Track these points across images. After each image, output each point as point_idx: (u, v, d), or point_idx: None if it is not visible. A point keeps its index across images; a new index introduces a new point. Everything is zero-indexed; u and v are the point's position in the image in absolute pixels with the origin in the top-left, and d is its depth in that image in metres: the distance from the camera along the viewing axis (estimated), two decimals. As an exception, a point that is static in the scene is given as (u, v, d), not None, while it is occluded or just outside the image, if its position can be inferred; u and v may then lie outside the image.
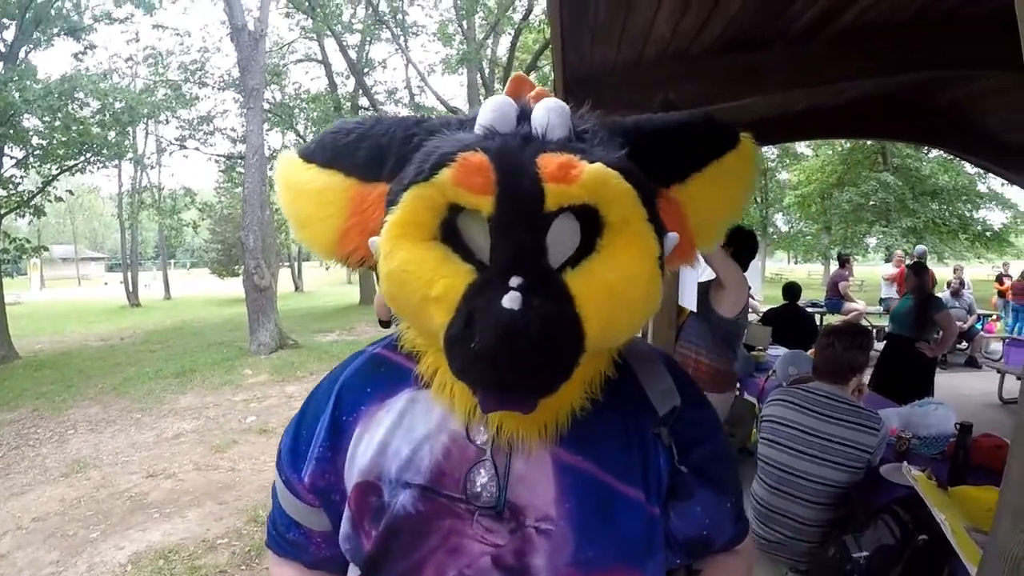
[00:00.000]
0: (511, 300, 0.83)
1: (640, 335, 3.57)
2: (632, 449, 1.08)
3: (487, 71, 26.63)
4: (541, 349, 0.84)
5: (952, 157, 20.63)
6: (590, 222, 0.92)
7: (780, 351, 6.24)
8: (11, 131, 14.61)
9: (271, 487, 1.26)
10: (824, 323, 11.15)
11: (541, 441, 1.04)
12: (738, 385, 5.58)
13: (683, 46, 4.15)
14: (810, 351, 6.05)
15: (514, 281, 0.86)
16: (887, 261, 16.00)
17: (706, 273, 4.33)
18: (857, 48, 4.20)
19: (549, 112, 0.97)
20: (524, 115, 0.99)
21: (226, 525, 5.57)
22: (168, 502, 6.14)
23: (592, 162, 0.90)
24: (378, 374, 1.17)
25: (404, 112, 28.34)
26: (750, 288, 4.43)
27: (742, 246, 4.59)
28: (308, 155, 1.10)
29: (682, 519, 1.12)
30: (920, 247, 16.22)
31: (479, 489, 1.04)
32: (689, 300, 4.45)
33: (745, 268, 4.44)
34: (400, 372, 1.14)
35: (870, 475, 3.18)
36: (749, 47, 4.20)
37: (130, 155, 20.66)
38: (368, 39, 26.92)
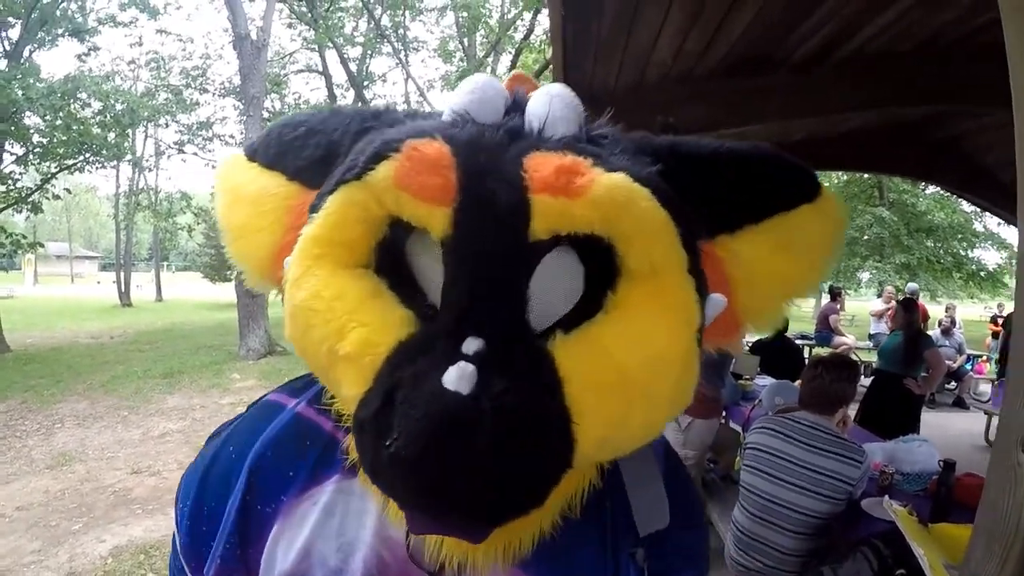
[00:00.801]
0: (459, 377, 0.58)
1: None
2: (606, 572, 0.83)
3: (487, 89, 26.53)
4: (499, 463, 0.59)
5: (949, 194, 20.73)
6: (599, 264, 0.68)
7: (767, 381, 6.22)
8: (12, 128, 14.64)
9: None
10: (812, 355, 11.18)
11: (500, 566, 0.78)
12: (723, 413, 5.57)
13: (686, 69, 4.15)
14: (797, 382, 6.08)
15: (469, 346, 0.61)
16: (879, 296, 16.02)
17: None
18: (861, 77, 4.22)
19: (551, 99, 0.73)
20: (516, 107, 0.75)
21: None
22: (151, 499, 6.19)
23: (611, 171, 0.65)
24: (302, 451, 0.86)
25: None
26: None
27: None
28: (251, 152, 0.88)
29: None
30: (912, 284, 16.27)
31: None
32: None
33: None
34: (329, 447, 0.85)
35: (851, 508, 3.17)
36: (753, 72, 4.21)
37: (129, 157, 20.71)
38: (369, 52, 27.04)
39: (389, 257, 0.70)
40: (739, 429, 5.65)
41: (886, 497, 3.03)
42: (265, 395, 0.97)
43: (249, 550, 0.84)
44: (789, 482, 3.14)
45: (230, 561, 0.84)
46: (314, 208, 0.72)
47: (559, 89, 0.75)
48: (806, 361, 7.81)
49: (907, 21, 3.58)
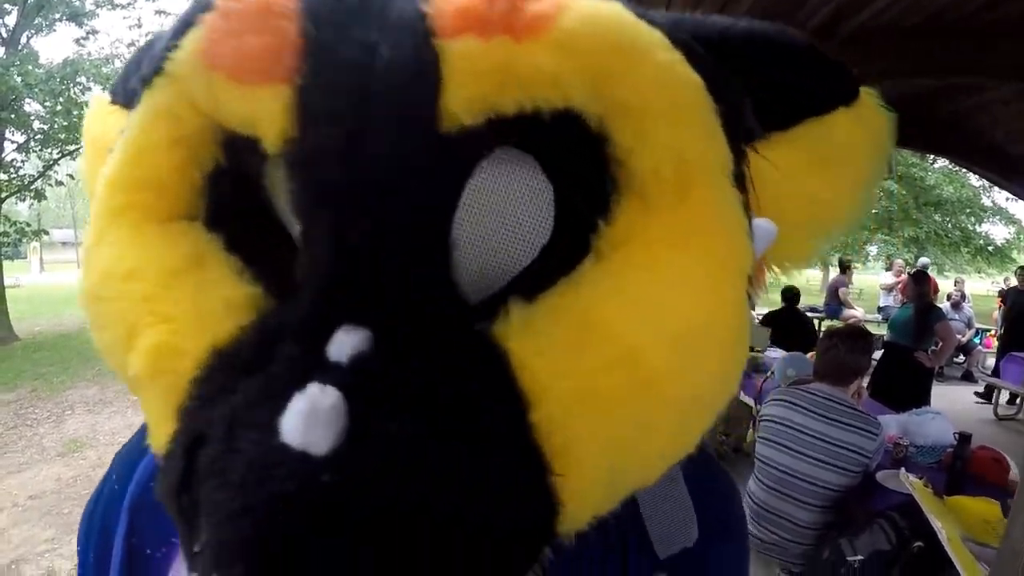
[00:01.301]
0: (306, 418, 0.31)
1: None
2: None
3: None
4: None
5: (957, 168, 20.61)
6: (575, 175, 0.42)
7: (778, 353, 6.23)
8: (13, 116, 14.63)
9: None
10: (822, 328, 11.17)
11: None
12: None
13: (692, 45, 4.08)
14: (809, 354, 6.05)
15: (340, 346, 0.33)
16: (888, 270, 15.94)
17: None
18: (869, 51, 4.18)
19: None
20: None
21: None
22: None
23: None
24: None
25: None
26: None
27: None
28: (113, 94, 0.61)
29: None
30: (923, 259, 16.20)
31: None
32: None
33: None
34: None
35: (867, 480, 3.16)
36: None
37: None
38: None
39: (230, 199, 0.44)
40: (751, 402, 5.65)
41: (902, 469, 3.04)
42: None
43: None
44: (805, 454, 3.12)
45: None
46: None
47: None
48: (817, 333, 7.81)
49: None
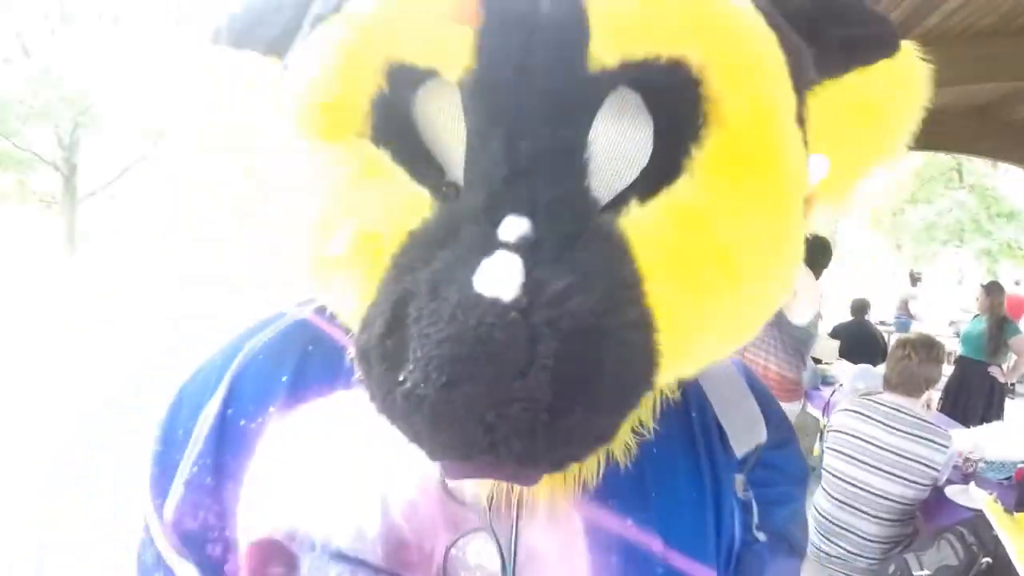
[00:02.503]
0: (497, 274, 0.43)
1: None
2: (705, 509, 0.67)
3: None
4: (558, 396, 0.43)
5: (1032, 178, 20.16)
6: (679, 109, 0.51)
7: (847, 366, 6.13)
8: (88, 120, 15.14)
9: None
10: (894, 341, 10.98)
11: (564, 497, 0.62)
12: (803, 397, 5.48)
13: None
14: (879, 367, 5.95)
15: (510, 229, 0.45)
16: (959, 283, 15.62)
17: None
18: (941, 53, 4.06)
19: None
20: None
21: None
22: None
23: None
24: (302, 355, 0.69)
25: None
26: (822, 296, 4.36)
27: (816, 253, 4.52)
28: (215, 36, 0.63)
29: None
30: (1017, 273, 15.80)
31: (466, 567, 0.62)
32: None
33: (819, 276, 4.38)
34: (338, 357, 0.65)
35: (936, 494, 3.13)
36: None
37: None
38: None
39: (391, 120, 0.52)
40: (818, 414, 5.59)
41: (972, 484, 2.99)
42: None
43: (224, 483, 0.65)
44: (873, 466, 3.10)
45: (198, 491, 0.65)
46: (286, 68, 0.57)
47: None
48: (887, 346, 7.69)
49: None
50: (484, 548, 0.62)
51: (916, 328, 12.05)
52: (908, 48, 0.65)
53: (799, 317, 4.22)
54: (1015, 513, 2.76)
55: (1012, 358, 6.48)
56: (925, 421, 3.12)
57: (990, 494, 2.73)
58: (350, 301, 0.52)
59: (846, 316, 8.25)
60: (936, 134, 6.95)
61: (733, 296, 0.51)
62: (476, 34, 0.46)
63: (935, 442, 3.02)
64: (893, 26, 0.67)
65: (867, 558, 3.11)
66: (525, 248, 0.44)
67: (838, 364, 6.42)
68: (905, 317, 12.53)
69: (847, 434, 3.27)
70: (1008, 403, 6.94)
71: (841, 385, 5.27)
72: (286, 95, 0.55)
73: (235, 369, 0.68)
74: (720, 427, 0.71)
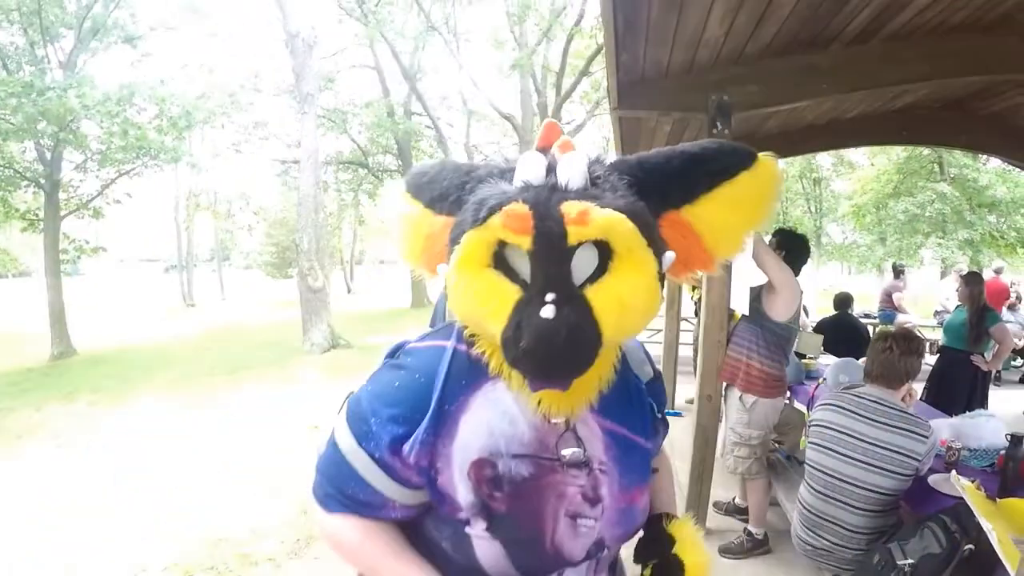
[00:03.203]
0: (547, 311, 1.07)
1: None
2: (636, 410, 1.47)
3: (539, 76, 26.78)
4: (570, 346, 1.09)
5: (1011, 168, 20.27)
6: (604, 250, 1.13)
7: (831, 360, 6.19)
8: (71, 136, 15.05)
9: (330, 452, 1.37)
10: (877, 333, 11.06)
11: (590, 412, 1.35)
12: (787, 392, 5.52)
13: (737, 48, 4.15)
14: (862, 360, 5.99)
15: (549, 297, 1.09)
16: (943, 278, 15.63)
17: (758, 277, 4.32)
18: (913, 50, 4.19)
19: (570, 167, 1.18)
20: (551, 167, 1.20)
21: (280, 516, 5.68)
22: (222, 495, 6.28)
23: (603, 207, 1.11)
24: (468, 368, 1.33)
25: (458, 116, 28.64)
26: (802, 292, 4.40)
27: (794, 250, 4.60)
28: (405, 187, 1.40)
29: (655, 447, 1.58)
30: (998, 262, 15.87)
31: (566, 451, 1.32)
32: (740, 304, 4.44)
33: (797, 273, 4.42)
34: (479, 365, 1.31)
35: (918, 484, 3.17)
36: (805, 49, 4.20)
37: (186, 159, 20.97)
38: (420, 45, 27.26)
39: (499, 260, 1.15)
40: (804, 409, 5.64)
41: (953, 472, 3.02)
42: (404, 342, 1.45)
43: (438, 439, 1.28)
44: (855, 458, 3.15)
45: (426, 445, 1.26)
46: (455, 240, 1.19)
47: (574, 158, 1.18)
48: (870, 339, 7.73)
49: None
50: (571, 439, 1.33)
51: (901, 320, 12.15)
52: (763, 159, 1.23)
53: (779, 315, 4.29)
54: (997, 500, 2.80)
55: (994, 346, 6.52)
56: (905, 412, 3.17)
57: (972, 482, 2.76)
58: (496, 327, 1.13)
59: (831, 310, 8.29)
60: (914, 129, 7.02)
61: (629, 318, 1.15)
62: (533, 237, 1.09)
63: (916, 433, 3.06)
64: (746, 149, 1.24)
65: (852, 549, 3.15)
66: (555, 303, 1.07)
67: (823, 358, 6.48)
68: (889, 309, 12.59)
69: (828, 427, 3.32)
70: (992, 392, 7.01)
71: (825, 379, 5.31)
72: (459, 253, 1.16)
73: (443, 383, 1.31)
74: (633, 371, 1.51)
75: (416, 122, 28.68)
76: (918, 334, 4.12)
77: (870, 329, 9.79)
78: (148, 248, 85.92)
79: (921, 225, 24.57)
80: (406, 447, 1.28)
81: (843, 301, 8.32)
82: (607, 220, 1.10)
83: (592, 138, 30.96)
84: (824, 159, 34.24)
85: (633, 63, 4.15)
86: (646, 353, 1.63)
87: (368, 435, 1.32)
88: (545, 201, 1.12)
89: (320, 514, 1.39)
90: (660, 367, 1.70)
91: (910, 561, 2.55)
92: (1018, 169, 16.23)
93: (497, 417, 1.30)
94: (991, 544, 2.29)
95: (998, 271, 12.79)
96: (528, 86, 26.52)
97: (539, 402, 1.26)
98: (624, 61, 4.03)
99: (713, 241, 1.26)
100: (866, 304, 14.56)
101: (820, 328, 7.64)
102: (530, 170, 1.20)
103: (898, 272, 13.60)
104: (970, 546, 2.44)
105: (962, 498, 2.67)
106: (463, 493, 1.29)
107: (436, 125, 27.78)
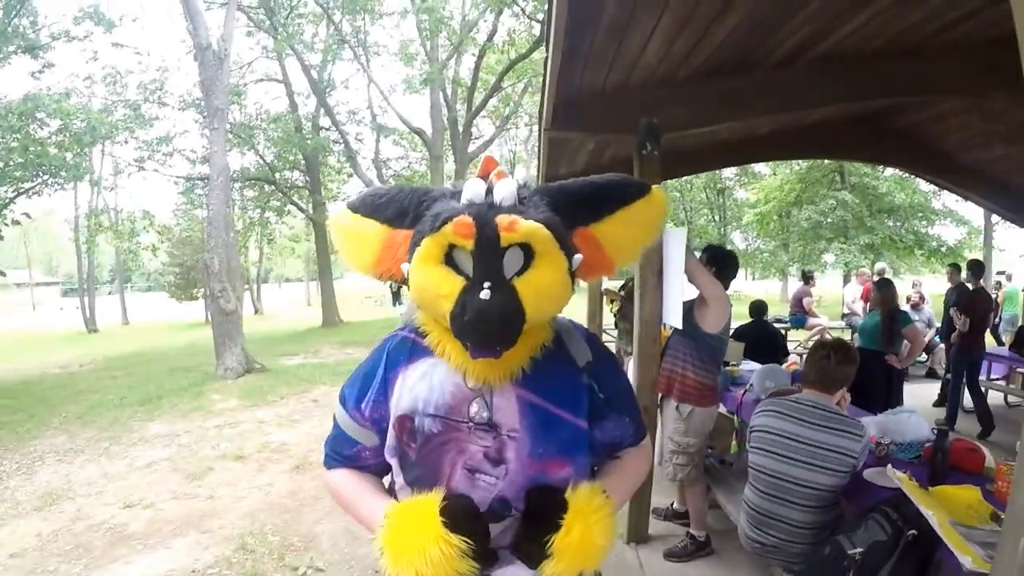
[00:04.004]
0: (485, 295, 1.36)
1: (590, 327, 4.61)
2: (564, 386, 1.66)
3: (449, 91, 26.57)
4: (501, 321, 1.37)
5: (907, 175, 21.11)
6: (528, 251, 1.42)
7: (752, 365, 6.42)
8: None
9: (332, 427, 1.84)
10: (788, 338, 11.45)
11: (509, 383, 1.60)
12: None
13: (670, 71, 4.29)
14: (784, 364, 6.20)
15: (486, 284, 1.38)
16: (846, 282, 16.17)
17: (689, 292, 4.47)
18: (833, 74, 4.40)
19: (504, 190, 1.47)
20: (489, 190, 1.49)
21: (214, 554, 5.42)
22: (150, 533, 5.95)
23: (527, 219, 1.41)
24: (408, 347, 1.71)
25: (367, 131, 28.29)
26: (731, 305, 4.57)
27: (724, 266, 4.76)
28: (353, 207, 1.62)
29: (600, 431, 1.73)
30: (879, 264, 16.48)
31: (474, 415, 1.61)
32: (674, 318, 4.55)
33: (727, 286, 4.58)
34: (420, 347, 1.68)
35: (855, 479, 3.34)
36: (732, 72, 4.37)
37: (88, 176, 20.21)
38: (330, 59, 26.96)
39: (449, 258, 1.43)
40: (731, 414, 5.84)
41: (889, 466, 3.25)
42: (392, 333, 1.81)
43: (385, 398, 1.68)
44: (796, 459, 3.31)
45: (378, 402, 1.69)
46: (416, 244, 1.47)
47: (506, 184, 1.49)
48: (787, 344, 7.99)
49: (880, 20, 3.77)
50: (480, 405, 1.60)
51: (812, 323, 12.57)
52: (655, 191, 1.59)
53: (711, 326, 4.45)
54: (929, 488, 3.01)
55: (906, 346, 6.85)
56: (839, 415, 3.36)
57: (905, 473, 2.98)
58: (445, 307, 1.41)
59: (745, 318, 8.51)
60: (827, 144, 7.33)
61: (546, 302, 1.46)
62: (475, 241, 1.38)
63: (851, 432, 3.25)
64: (641, 183, 1.60)
65: (799, 543, 3.32)
66: (491, 290, 1.36)
67: (744, 364, 6.69)
68: (800, 314, 13.01)
69: (769, 432, 3.49)
70: (906, 387, 7.36)
71: (752, 385, 5.52)
72: (418, 253, 1.45)
73: (386, 356, 1.72)
74: (569, 352, 1.71)
75: (324, 137, 27.94)
76: (852, 344, 4.37)
77: (783, 333, 10.09)
78: (45, 270, 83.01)
79: (824, 231, 25.36)
80: (363, 404, 1.71)
81: (759, 309, 8.52)
82: (530, 228, 1.40)
83: (500, 153, 30.83)
84: (728, 170, 34.97)
85: (568, 87, 4.24)
86: (590, 342, 1.81)
87: (344, 399, 1.78)
88: (484, 214, 1.41)
89: (325, 474, 1.85)
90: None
91: (859, 550, 2.71)
92: (914, 177, 16.98)
93: (421, 384, 1.64)
94: (932, 528, 2.51)
95: (881, 272, 13.32)
96: (438, 100, 26.29)
97: (466, 371, 1.60)
98: (562, 85, 4.10)
99: (613, 252, 1.60)
100: (775, 309, 14.98)
101: (739, 335, 7.81)
102: (474, 192, 1.49)
103: (807, 278, 14.00)
104: (913, 531, 2.62)
105: (897, 489, 2.88)
106: (391, 440, 1.66)
107: (345, 140, 27.22)
